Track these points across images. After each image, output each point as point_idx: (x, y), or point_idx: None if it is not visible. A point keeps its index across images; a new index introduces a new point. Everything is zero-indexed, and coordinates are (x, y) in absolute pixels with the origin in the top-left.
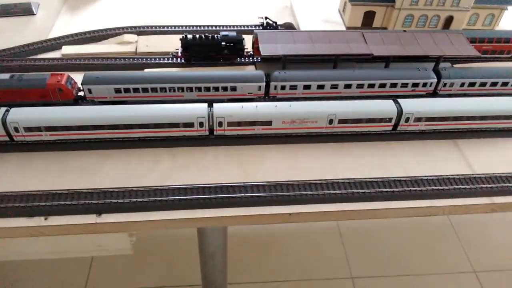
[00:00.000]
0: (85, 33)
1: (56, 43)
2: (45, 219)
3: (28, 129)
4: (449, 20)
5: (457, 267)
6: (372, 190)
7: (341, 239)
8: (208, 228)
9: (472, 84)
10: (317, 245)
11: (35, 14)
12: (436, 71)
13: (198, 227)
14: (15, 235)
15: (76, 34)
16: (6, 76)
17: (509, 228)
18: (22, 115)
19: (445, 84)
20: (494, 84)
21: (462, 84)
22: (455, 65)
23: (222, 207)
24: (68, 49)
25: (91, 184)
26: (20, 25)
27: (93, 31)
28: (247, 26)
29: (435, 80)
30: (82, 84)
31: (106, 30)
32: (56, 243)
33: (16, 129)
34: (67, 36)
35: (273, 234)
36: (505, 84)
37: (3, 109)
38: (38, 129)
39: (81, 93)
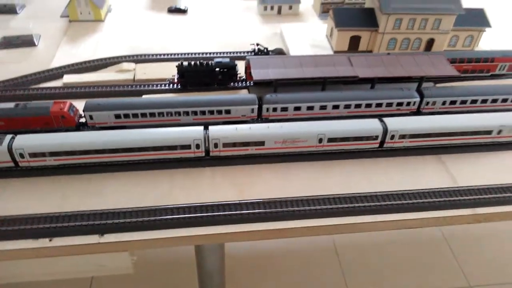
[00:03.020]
0: (85, 62)
1: (57, 73)
2: (50, 240)
3: (33, 155)
4: (430, 43)
5: (453, 282)
6: (361, 204)
7: (338, 257)
8: (205, 247)
9: (453, 102)
10: (314, 264)
11: (36, 46)
12: (419, 90)
13: (196, 246)
14: (20, 256)
15: (77, 64)
16: (11, 105)
17: (503, 241)
18: (27, 142)
19: (427, 103)
20: (474, 101)
21: (444, 103)
22: (437, 85)
23: (219, 225)
24: (69, 78)
25: (93, 206)
26: (23, 56)
27: (93, 61)
28: (240, 52)
29: (418, 99)
30: (84, 111)
31: (105, 59)
32: (58, 263)
33: (22, 155)
34: (68, 65)
35: (270, 255)
36: (484, 101)
37: (9, 136)
38: (43, 154)
39: (82, 120)
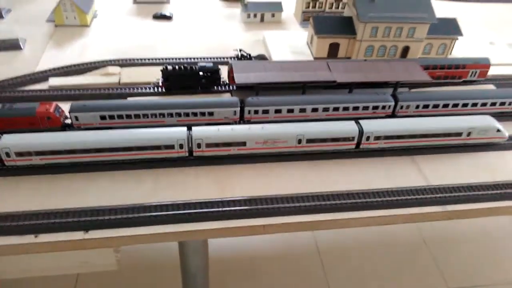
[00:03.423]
0: (70, 66)
1: (43, 76)
2: (35, 236)
3: (19, 154)
4: (406, 50)
5: (432, 284)
6: (338, 201)
7: (320, 259)
8: (189, 246)
9: (426, 106)
10: (297, 266)
11: (22, 49)
12: (394, 95)
13: (180, 246)
14: (7, 252)
15: (62, 67)
16: None
17: (480, 244)
18: (14, 141)
19: (402, 107)
20: (445, 105)
21: (417, 106)
22: (412, 90)
23: (202, 221)
24: (54, 81)
25: (79, 203)
26: (9, 60)
27: (78, 64)
28: (223, 57)
29: (393, 103)
30: (69, 112)
31: (90, 63)
32: (43, 260)
33: (8, 154)
34: (54, 69)
35: (254, 258)
36: (455, 105)
37: None
38: (29, 153)
39: (68, 121)
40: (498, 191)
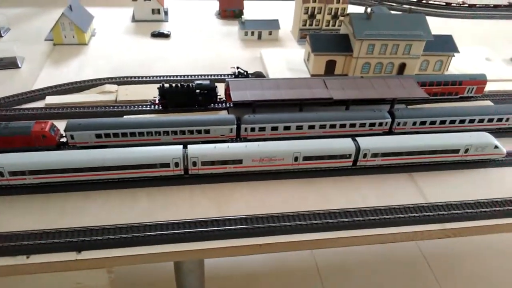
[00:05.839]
0: (67, 84)
1: (40, 94)
2: (27, 257)
3: (13, 173)
4: (402, 67)
5: None
6: (335, 220)
7: (321, 280)
8: (185, 266)
9: (423, 123)
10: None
11: (20, 67)
12: (391, 112)
13: (175, 266)
14: None
15: (60, 85)
16: None
17: (483, 263)
18: (7, 160)
19: (399, 123)
20: (443, 122)
21: (414, 123)
22: (409, 106)
23: (198, 241)
24: (51, 99)
25: (72, 223)
26: (6, 78)
27: (76, 82)
28: (220, 75)
29: (390, 120)
30: (65, 131)
31: (88, 81)
32: (35, 282)
33: (1, 174)
34: (51, 87)
35: (252, 280)
36: (452, 121)
37: None
38: (23, 173)
39: (63, 139)
40: (498, 208)
